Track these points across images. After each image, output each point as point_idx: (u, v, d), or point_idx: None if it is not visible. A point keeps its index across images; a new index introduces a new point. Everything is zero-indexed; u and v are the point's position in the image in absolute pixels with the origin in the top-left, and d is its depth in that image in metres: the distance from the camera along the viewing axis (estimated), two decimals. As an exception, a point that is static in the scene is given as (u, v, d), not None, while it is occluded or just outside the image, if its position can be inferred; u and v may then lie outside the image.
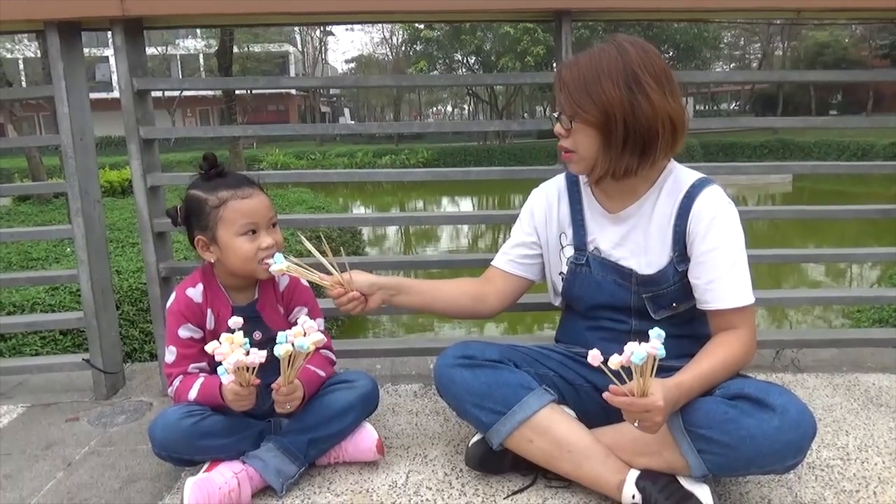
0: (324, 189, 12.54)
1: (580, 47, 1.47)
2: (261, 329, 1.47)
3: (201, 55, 35.34)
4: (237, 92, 18.29)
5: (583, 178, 1.46)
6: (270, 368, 1.37)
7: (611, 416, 1.41)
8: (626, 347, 1.06)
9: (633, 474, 1.26)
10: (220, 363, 1.23)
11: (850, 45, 31.20)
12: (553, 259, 1.51)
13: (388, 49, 40.71)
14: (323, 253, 1.39)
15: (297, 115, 41.10)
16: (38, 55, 11.87)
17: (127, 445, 1.64)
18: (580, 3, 1.85)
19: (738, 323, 1.29)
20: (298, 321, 1.28)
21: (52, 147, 2.07)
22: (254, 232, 1.41)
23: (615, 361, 1.06)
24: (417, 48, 28.34)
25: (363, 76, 13.31)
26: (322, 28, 39.02)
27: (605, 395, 1.13)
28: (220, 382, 1.29)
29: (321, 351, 1.51)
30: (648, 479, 1.24)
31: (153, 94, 2.02)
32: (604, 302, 1.42)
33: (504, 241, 1.58)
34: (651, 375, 1.08)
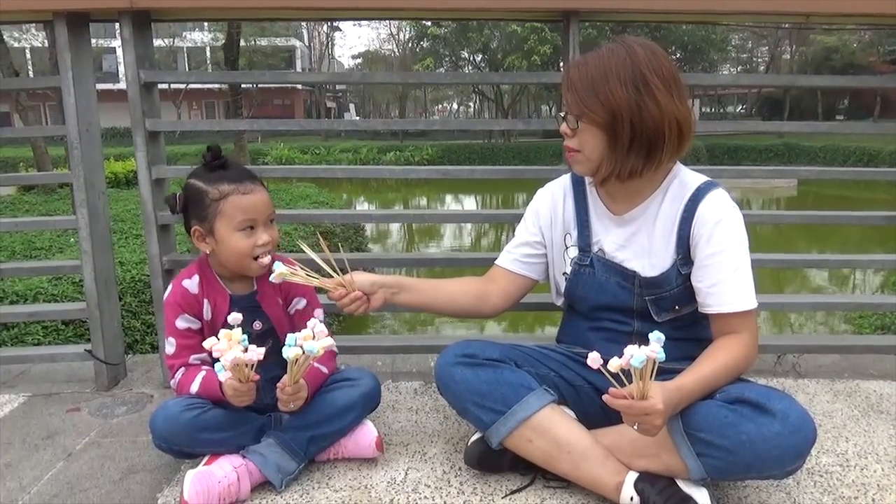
0: (328, 184, 12.53)
1: (587, 47, 1.47)
2: (260, 319, 1.48)
3: (208, 48, 35.34)
4: (243, 86, 18.29)
5: (588, 179, 1.46)
6: (272, 362, 1.38)
7: (611, 417, 1.41)
8: (625, 350, 1.06)
9: (632, 476, 1.26)
10: (217, 359, 1.23)
11: (858, 51, 31.07)
12: (557, 259, 1.51)
13: (394, 45, 40.69)
14: (323, 257, 1.39)
15: (302, 110, 41.09)
16: (46, 45, 11.87)
17: (127, 437, 1.65)
18: (589, 3, 1.84)
19: (739, 327, 1.29)
20: (308, 324, 1.28)
21: (58, 137, 2.07)
22: (251, 228, 1.41)
23: (615, 364, 1.06)
24: (424, 45, 28.32)
25: (369, 72, 13.28)
26: (329, 23, 39.00)
27: (605, 397, 1.13)
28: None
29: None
30: (647, 481, 1.24)
31: (160, 86, 2.02)
32: (606, 303, 1.42)
33: (508, 241, 1.58)
34: (651, 378, 1.08)
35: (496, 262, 1.56)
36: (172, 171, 1.92)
